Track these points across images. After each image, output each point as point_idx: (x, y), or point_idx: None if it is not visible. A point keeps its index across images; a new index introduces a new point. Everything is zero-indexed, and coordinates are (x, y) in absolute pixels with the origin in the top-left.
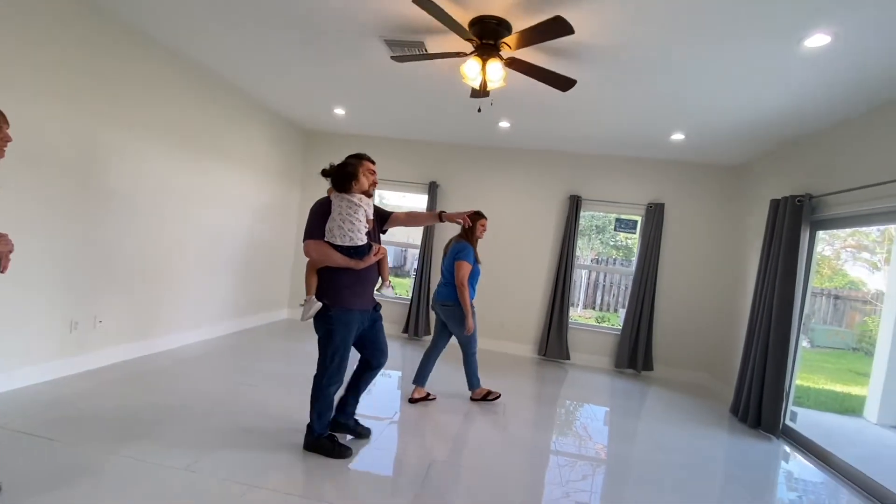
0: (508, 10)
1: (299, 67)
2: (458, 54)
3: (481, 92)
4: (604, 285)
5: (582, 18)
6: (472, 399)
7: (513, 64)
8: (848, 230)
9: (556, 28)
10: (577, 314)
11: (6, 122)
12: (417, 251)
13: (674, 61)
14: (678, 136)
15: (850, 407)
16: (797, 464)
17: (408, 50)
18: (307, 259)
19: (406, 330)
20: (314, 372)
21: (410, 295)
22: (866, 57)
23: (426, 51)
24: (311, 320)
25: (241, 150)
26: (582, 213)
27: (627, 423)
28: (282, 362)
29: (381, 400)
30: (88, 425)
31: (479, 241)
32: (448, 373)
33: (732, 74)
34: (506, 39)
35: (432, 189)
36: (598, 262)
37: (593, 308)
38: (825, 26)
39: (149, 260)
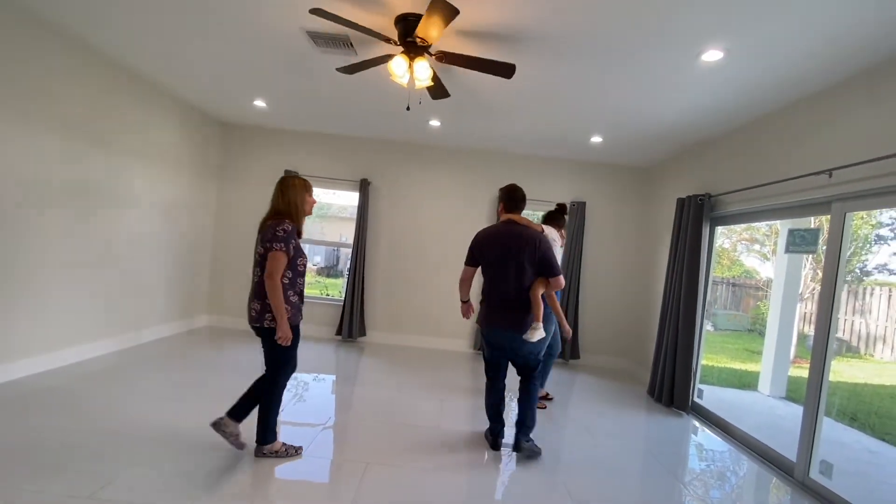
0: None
1: (212, 56)
2: (390, 56)
3: (439, 93)
4: None
5: (513, 45)
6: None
7: (445, 58)
8: (742, 225)
9: (501, 70)
10: None
11: (310, 190)
12: (350, 250)
13: (589, 74)
14: (597, 139)
15: (747, 382)
16: (705, 436)
17: (332, 44)
18: (541, 289)
19: (339, 332)
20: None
21: (343, 296)
22: (753, 72)
23: (352, 44)
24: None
25: (153, 145)
26: None
27: (558, 411)
28: (200, 372)
29: (314, 405)
30: None
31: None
32: (379, 377)
33: (641, 84)
34: (441, 51)
35: (364, 186)
36: None
37: None
38: (718, 43)
39: (42, 266)
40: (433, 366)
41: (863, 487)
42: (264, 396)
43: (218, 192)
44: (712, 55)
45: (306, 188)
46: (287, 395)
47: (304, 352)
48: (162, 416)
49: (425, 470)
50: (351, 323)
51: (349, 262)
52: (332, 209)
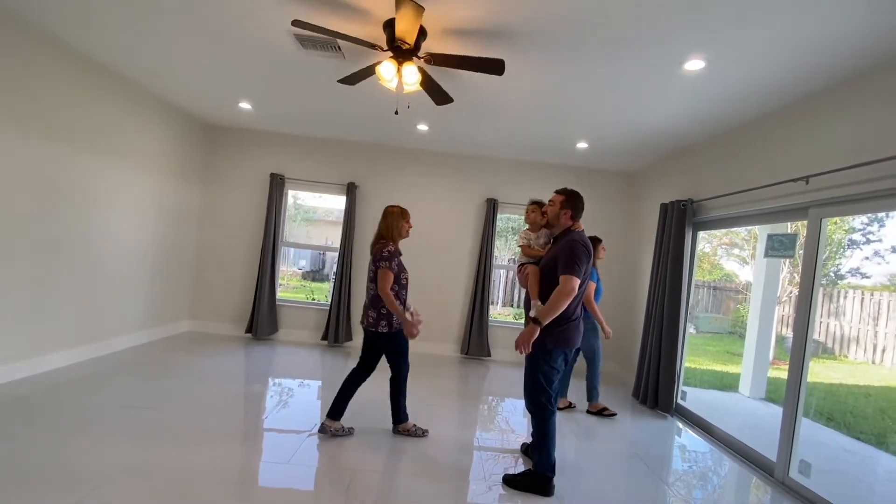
0: (435, 28)
1: (196, 56)
2: (370, 44)
3: (441, 99)
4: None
5: (500, 44)
6: (589, 412)
7: (434, 60)
8: (722, 230)
9: (491, 66)
10: (497, 312)
11: (407, 216)
12: (336, 254)
13: (575, 82)
14: (583, 145)
15: (728, 384)
16: (688, 437)
17: (320, 47)
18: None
19: (325, 337)
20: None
21: (330, 300)
22: (733, 81)
23: (339, 48)
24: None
25: (133, 147)
26: (499, 216)
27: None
28: (181, 379)
29: (299, 412)
30: None
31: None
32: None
33: (625, 91)
34: (429, 53)
35: (351, 190)
36: (514, 261)
37: (511, 306)
38: (700, 52)
39: (23, 268)
40: (421, 371)
41: (840, 485)
42: (394, 387)
43: (201, 195)
44: (694, 64)
45: (403, 215)
46: (271, 402)
47: (290, 357)
48: (139, 425)
49: (413, 477)
50: (337, 328)
51: (335, 267)
52: (318, 213)
